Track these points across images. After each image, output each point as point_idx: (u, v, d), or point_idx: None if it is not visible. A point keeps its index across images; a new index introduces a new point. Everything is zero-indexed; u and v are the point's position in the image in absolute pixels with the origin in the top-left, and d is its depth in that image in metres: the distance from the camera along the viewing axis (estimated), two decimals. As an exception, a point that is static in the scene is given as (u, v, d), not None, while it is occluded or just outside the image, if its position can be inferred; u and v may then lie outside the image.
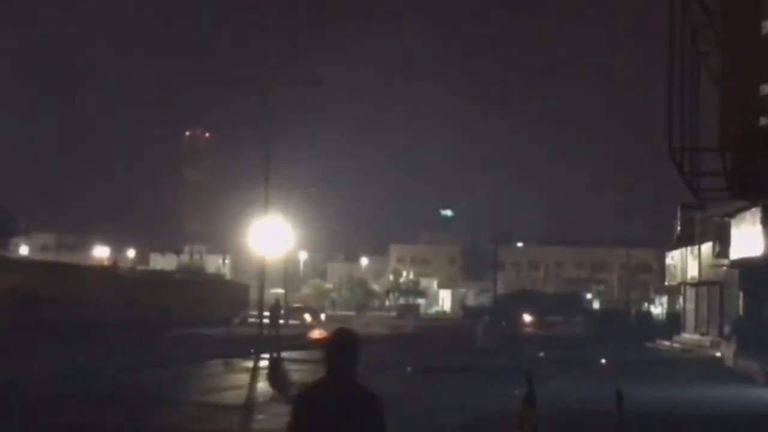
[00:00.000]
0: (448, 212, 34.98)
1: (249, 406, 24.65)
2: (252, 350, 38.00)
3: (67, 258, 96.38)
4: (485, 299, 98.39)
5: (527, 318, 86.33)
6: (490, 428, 19.96)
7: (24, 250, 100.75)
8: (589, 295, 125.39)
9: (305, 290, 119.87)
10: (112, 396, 25.05)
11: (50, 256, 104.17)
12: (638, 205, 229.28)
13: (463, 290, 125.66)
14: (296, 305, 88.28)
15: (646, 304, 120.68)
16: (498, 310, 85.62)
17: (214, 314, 57.87)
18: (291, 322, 67.78)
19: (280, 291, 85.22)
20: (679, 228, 62.23)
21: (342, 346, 6.62)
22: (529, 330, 77.28)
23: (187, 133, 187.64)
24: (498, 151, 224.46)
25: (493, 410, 23.49)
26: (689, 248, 60.45)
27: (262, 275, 47.51)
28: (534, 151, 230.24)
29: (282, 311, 50.05)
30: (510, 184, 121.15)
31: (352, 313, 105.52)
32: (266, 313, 47.12)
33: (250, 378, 31.53)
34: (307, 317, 76.75)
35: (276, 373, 32.80)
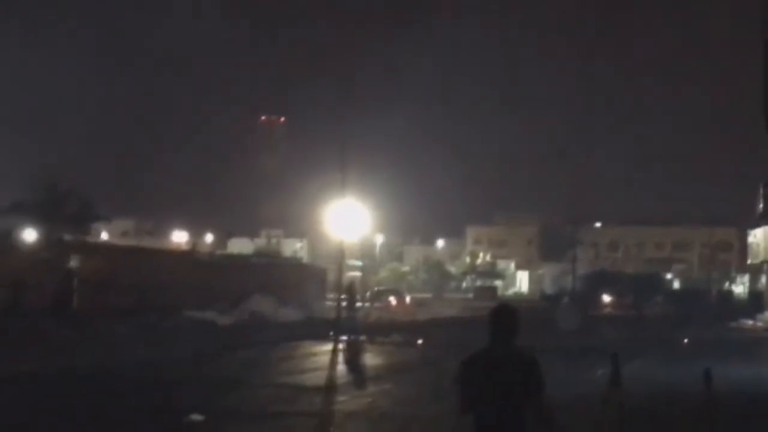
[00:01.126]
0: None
1: (330, 387, 24.64)
2: (331, 332, 38.10)
3: (146, 243, 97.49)
4: (564, 282, 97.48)
5: (607, 299, 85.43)
6: (576, 409, 19.63)
7: (104, 236, 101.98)
8: (669, 275, 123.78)
9: (382, 273, 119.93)
10: (194, 379, 25.18)
11: (130, 242, 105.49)
12: (718, 184, 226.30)
13: (540, 272, 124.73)
14: (380, 288, 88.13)
15: (727, 283, 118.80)
16: (577, 291, 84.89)
17: (292, 297, 58.00)
18: (376, 305, 67.71)
19: (358, 274, 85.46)
20: (761, 206, 61.14)
21: (504, 317, 7.64)
22: (609, 311, 76.46)
23: (263, 118, 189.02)
24: (577, 131, 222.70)
25: (577, 391, 23.19)
26: (773, 226, 59.46)
27: (341, 258, 47.56)
28: (614, 131, 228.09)
29: (358, 293, 49.92)
30: (589, 164, 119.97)
31: (428, 295, 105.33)
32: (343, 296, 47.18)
33: (330, 360, 31.55)
34: (392, 300, 76.52)
35: (354, 355, 32.86)
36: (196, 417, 17.94)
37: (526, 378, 7.41)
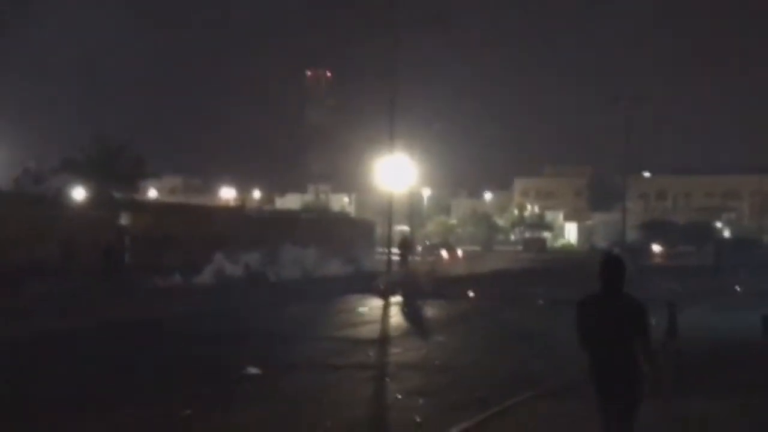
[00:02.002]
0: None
1: (384, 340, 24.71)
2: (381, 286, 38.26)
3: (194, 200, 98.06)
4: (614, 232, 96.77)
5: (657, 249, 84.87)
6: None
7: (153, 193, 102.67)
8: (719, 224, 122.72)
9: (430, 226, 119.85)
10: (250, 332, 25.35)
11: (178, 199, 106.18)
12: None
13: (589, 222, 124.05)
14: (431, 241, 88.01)
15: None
16: (628, 242, 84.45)
17: (342, 252, 58.15)
18: (428, 258, 67.69)
19: (406, 228, 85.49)
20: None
21: (612, 267, 8.75)
22: (659, 261, 75.97)
23: (309, 73, 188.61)
24: (626, 81, 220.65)
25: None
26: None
27: (390, 211, 47.56)
28: (663, 80, 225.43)
29: (412, 247, 49.93)
30: (638, 113, 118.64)
31: (477, 248, 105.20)
32: (396, 250, 47.23)
33: (382, 313, 31.63)
34: (444, 253, 76.43)
35: (404, 309, 32.93)
36: (253, 370, 18.06)
37: (634, 320, 8.56)
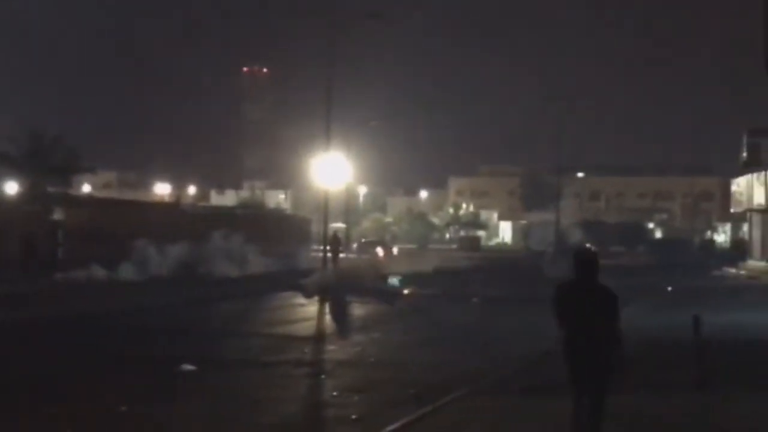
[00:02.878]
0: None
1: (319, 337, 24.72)
2: (304, 282, 38.41)
3: (129, 195, 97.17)
4: (548, 232, 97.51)
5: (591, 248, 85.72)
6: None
7: (87, 188, 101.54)
8: (651, 225, 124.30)
9: (365, 224, 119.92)
10: (183, 329, 25.25)
11: (113, 194, 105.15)
12: (700, 133, 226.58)
13: (524, 222, 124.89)
14: (367, 239, 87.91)
15: (709, 233, 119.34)
16: (562, 241, 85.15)
17: (277, 248, 57.94)
18: (363, 256, 67.70)
19: (342, 225, 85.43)
20: (745, 154, 61.24)
21: (587, 259, 9.96)
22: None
23: (246, 69, 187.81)
24: (560, 81, 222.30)
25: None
26: (755, 174, 59.59)
27: (325, 208, 47.58)
28: (597, 77, 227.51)
29: (340, 244, 49.72)
30: (570, 114, 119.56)
31: (412, 246, 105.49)
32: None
33: (318, 311, 31.63)
34: (379, 251, 76.40)
35: (338, 306, 32.89)
36: (188, 367, 17.97)
37: (607, 306, 9.79)
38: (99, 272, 42.29)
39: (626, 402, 13.47)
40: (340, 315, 30.70)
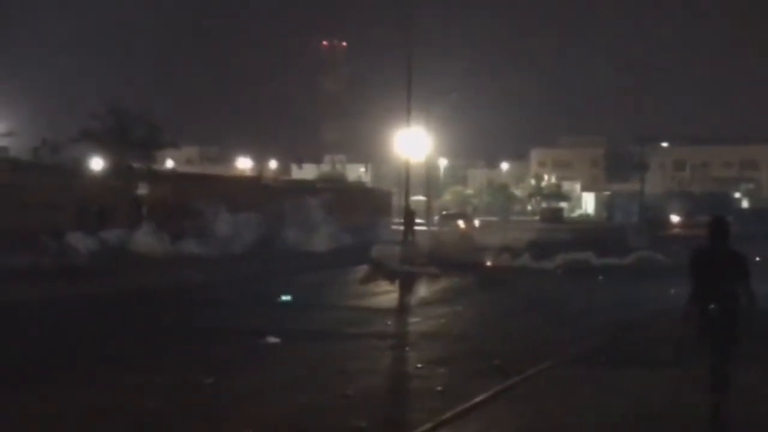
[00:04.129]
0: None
1: (402, 309, 24.67)
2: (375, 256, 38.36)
3: (210, 170, 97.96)
4: (632, 203, 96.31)
5: (675, 218, 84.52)
6: (656, 325, 19.49)
7: (169, 163, 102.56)
8: (737, 194, 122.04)
9: (446, 197, 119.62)
10: (263, 302, 25.32)
11: (195, 169, 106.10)
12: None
13: (607, 193, 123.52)
14: (447, 212, 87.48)
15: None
16: (646, 212, 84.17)
17: (357, 222, 58.06)
18: (444, 229, 67.26)
19: (422, 198, 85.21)
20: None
21: (721, 225, 10.99)
22: (677, 231, 75.66)
23: (324, 43, 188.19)
24: (641, 48, 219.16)
25: (653, 309, 23.00)
26: None
27: (406, 181, 47.44)
28: (681, 44, 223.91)
29: (415, 217, 49.20)
30: (654, 82, 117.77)
31: (494, 218, 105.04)
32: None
33: (399, 283, 31.52)
34: (461, 224, 75.80)
35: (418, 279, 32.67)
36: (272, 339, 18.02)
37: (737, 267, 10.75)
38: (180, 245, 42.70)
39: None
40: (421, 288, 30.56)
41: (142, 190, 47.52)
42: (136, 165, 51.29)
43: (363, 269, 36.02)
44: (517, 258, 39.47)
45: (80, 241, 39.49)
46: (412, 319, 22.38)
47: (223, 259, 40.83)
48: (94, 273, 32.60)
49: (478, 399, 12.61)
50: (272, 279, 32.60)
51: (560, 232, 70.34)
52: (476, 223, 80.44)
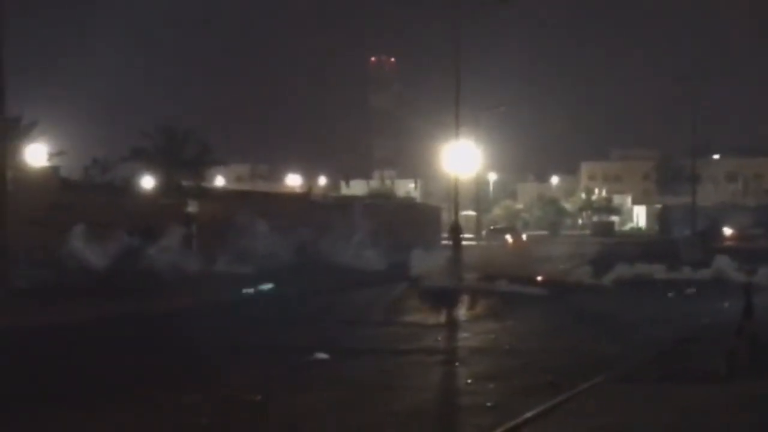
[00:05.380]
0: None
1: (451, 325, 24.56)
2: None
3: (260, 187, 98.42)
4: (683, 216, 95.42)
5: (728, 231, 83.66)
6: (709, 338, 19.23)
7: (220, 180, 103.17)
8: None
9: (496, 211, 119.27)
10: (311, 318, 25.35)
11: (245, 186, 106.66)
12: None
13: (658, 206, 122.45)
14: (496, 226, 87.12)
15: None
16: (699, 225, 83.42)
17: (406, 238, 57.89)
18: (492, 243, 66.95)
19: (472, 213, 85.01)
20: None
21: None
22: (730, 244, 74.83)
23: (373, 59, 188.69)
24: (693, 59, 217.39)
25: (706, 323, 22.73)
26: None
27: (456, 196, 47.24)
28: (730, 56, 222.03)
29: (461, 233, 48.71)
30: (706, 93, 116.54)
31: (544, 232, 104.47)
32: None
33: (450, 299, 31.26)
34: (509, 238, 75.38)
35: (456, 297, 32.19)
36: (322, 355, 17.98)
37: None
38: (228, 262, 42.71)
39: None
40: (470, 303, 30.38)
41: (192, 207, 47.72)
42: (185, 183, 51.62)
43: (408, 285, 35.86)
44: (570, 272, 39.16)
45: (142, 260, 39.67)
46: (462, 335, 22.26)
47: (269, 276, 40.69)
48: (141, 292, 32.70)
49: (528, 415, 12.47)
50: (318, 296, 32.57)
51: (612, 246, 69.69)
52: (524, 237, 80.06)
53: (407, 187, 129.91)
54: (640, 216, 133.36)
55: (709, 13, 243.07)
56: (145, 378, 16.15)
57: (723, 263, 38.25)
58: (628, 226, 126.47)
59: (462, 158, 50.02)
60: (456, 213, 47.35)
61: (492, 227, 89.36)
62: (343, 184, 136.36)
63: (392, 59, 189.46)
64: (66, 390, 15.04)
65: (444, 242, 59.10)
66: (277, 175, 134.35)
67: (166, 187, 50.04)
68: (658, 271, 38.64)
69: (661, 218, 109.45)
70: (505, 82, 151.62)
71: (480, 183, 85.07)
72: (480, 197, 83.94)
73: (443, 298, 31.13)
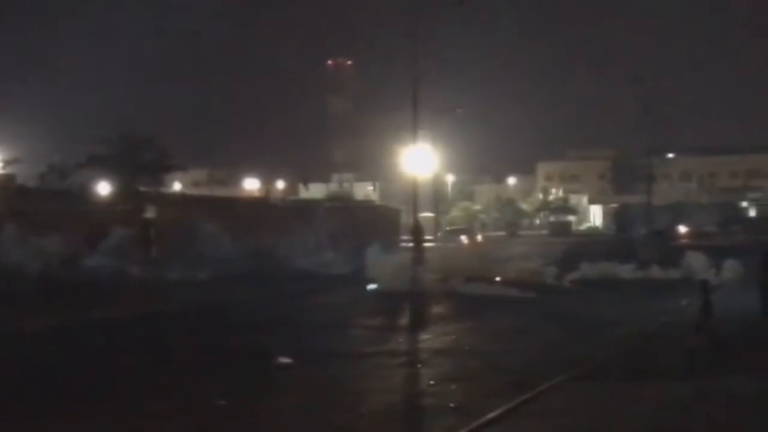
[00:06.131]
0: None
1: (412, 327, 24.61)
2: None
3: (218, 192, 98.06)
4: (638, 214, 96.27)
5: (683, 229, 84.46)
6: (669, 336, 19.46)
7: (177, 186, 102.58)
8: (744, 204, 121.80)
9: (454, 213, 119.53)
10: (272, 323, 25.30)
11: (203, 191, 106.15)
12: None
13: (614, 205, 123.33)
14: (451, 227, 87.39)
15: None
16: (654, 223, 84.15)
17: (368, 240, 57.91)
18: (448, 245, 67.12)
19: (430, 215, 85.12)
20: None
21: None
22: (686, 241, 75.56)
23: (330, 62, 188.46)
24: (648, 60, 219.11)
25: (666, 320, 22.98)
26: None
27: (415, 198, 47.33)
28: (685, 55, 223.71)
29: (423, 234, 48.72)
30: (660, 94, 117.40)
31: (502, 233, 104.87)
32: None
33: (411, 301, 31.30)
34: (464, 239, 75.72)
35: (417, 298, 32.24)
36: (284, 359, 17.99)
37: None
38: (186, 268, 42.46)
39: (723, 384, 13.17)
40: (430, 305, 30.39)
41: (150, 213, 47.50)
42: (144, 189, 51.39)
43: (368, 288, 35.78)
44: (530, 272, 39.30)
45: (86, 267, 39.40)
46: (424, 336, 22.34)
47: (228, 281, 40.49)
48: (102, 299, 32.51)
49: (491, 415, 12.58)
50: (276, 301, 32.51)
51: (569, 246, 70.11)
52: (479, 238, 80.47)
53: (366, 190, 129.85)
54: (596, 215, 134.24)
55: (666, 13, 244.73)
56: (106, 386, 16.09)
57: (694, 261, 38.45)
58: (585, 226, 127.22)
59: (420, 160, 50.12)
60: (415, 215, 47.46)
61: (447, 228, 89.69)
62: (301, 187, 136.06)
63: (350, 62, 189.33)
64: (23, 400, 14.93)
65: (404, 244, 59.19)
66: (235, 180, 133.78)
67: (123, 193, 49.78)
68: (621, 270, 38.93)
69: (617, 217, 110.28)
70: (463, 83, 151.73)
71: (438, 185, 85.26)
72: (438, 199, 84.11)
73: (404, 300, 31.18)
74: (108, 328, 24.81)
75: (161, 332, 23.74)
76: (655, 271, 38.27)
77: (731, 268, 35.88)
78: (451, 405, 13.68)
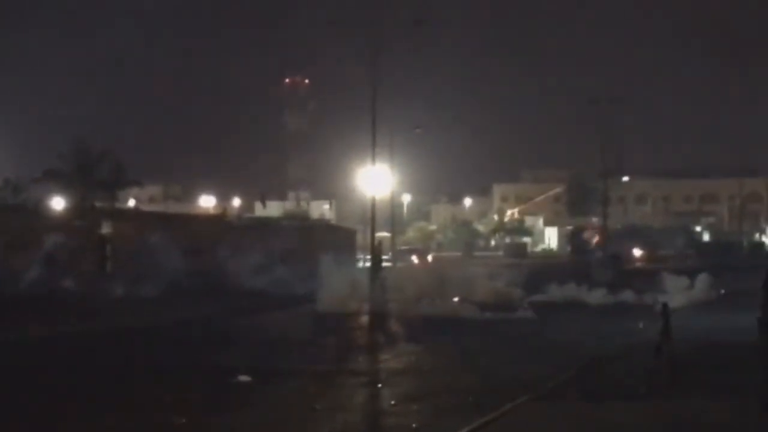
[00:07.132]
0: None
1: (373, 346, 24.56)
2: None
3: (174, 208, 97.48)
4: (593, 237, 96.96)
5: (638, 252, 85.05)
6: (629, 358, 19.53)
7: (132, 202, 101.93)
8: (698, 228, 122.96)
9: (410, 233, 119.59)
10: (229, 341, 25.15)
11: (158, 207, 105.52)
12: (746, 134, 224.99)
13: (569, 228, 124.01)
14: (403, 247, 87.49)
15: (758, 235, 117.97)
16: (609, 246, 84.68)
17: (323, 259, 57.68)
18: (398, 264, 67.15)
19: (386, 234, 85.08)
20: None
21: None
22: (640, 264, 76.09)
23: (287, 81, 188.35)
24: (604, 83, 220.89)
25: (624, 342, 23.04)
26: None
27: (372, 218, 47.29)
28: (640, 80, 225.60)
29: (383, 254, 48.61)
30: (616, 117, 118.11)
31: (458, 253, 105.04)
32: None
33: (369, 321, 31.31)
34: (414, 259, 75.90)
35: (385, 317, 32.17)
36: (243, 377, 17.85)
37: None
38: (141, 286, 42.00)
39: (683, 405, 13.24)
40: (389, 325, 30.26)
41: (106, 229, 47.08)
42: (99, 204, 50.98)
43: (323, 308, 35.45)
44: (484, 293, 39.31)
45: (42, 283, 38.94)
46: (383, 356, 22.28)
47: (175, 297, 39.90)
48: (57, 315, 32.09)
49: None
50: (228, 319, 32.24)
51: (525, 268, 70.32)
52: (429, 258, 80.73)
53: (322, 208, 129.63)
54: (551, 237, 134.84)
55: (624, 37, 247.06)
56: (65, 401, 15.88)
57: (665, 282, 38.82)
58: (540, 248, 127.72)
59: (377, 179, 50.14)
60: (372, 235, 47.36)
61: (399, 248, 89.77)
62: (258, 205, 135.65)
63: (306, 80, 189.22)
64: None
65: (360, 264, 59.07)
66: (191, 196, 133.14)
67: (79, 209, 49.35)
68: (579, 292, 39.03)
69: (572, 240, 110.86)
70: (421, 104, 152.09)
71: (394, 205, 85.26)
72: (394, 219, 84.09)
73: (361, 320, 31.13)
74: (60, 344, 24.51)
75: (114, 350, 23.47)
76: (611, 294, 38.41)
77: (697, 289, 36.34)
78: (413, 425, 13.61)
